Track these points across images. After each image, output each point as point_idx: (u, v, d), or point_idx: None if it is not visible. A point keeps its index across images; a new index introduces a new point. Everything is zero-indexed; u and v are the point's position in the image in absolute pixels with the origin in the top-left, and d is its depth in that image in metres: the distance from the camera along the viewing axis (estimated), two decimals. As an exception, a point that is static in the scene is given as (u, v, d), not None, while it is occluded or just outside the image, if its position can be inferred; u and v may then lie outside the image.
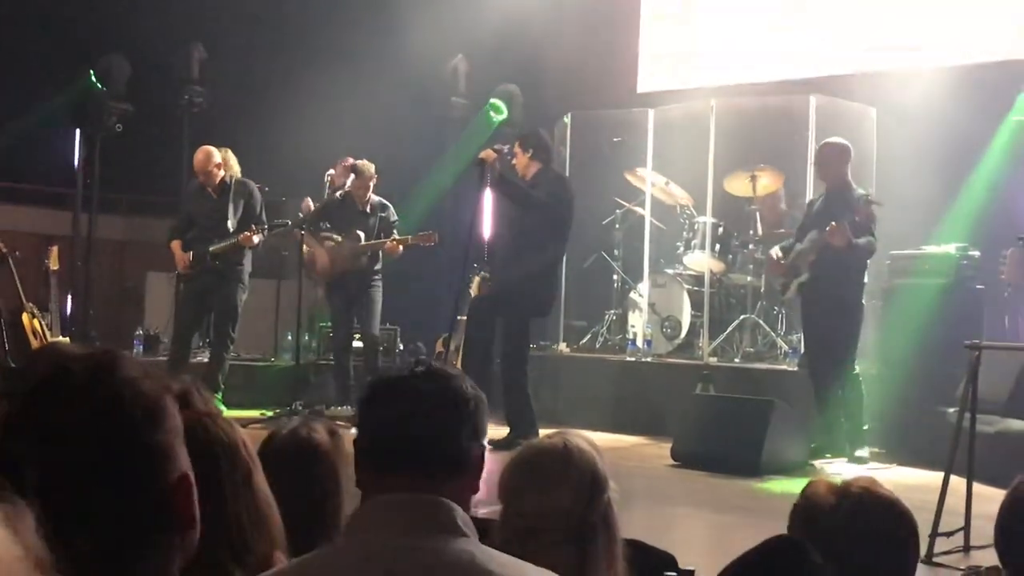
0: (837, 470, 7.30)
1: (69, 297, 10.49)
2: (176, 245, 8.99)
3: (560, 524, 2.15)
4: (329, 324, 9.80)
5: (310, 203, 9.42)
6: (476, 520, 1.94)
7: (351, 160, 9.43)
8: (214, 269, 8.88)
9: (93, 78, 10.43)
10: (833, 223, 7.50)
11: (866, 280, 7.85)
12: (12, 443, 1.25)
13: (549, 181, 8.02)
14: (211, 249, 8.85)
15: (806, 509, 2.23)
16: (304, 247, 9.14)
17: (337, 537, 1.80)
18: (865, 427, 7.76)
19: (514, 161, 8.08)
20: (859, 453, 7.67)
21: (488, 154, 7.86)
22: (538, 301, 8.04)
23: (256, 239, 8.84)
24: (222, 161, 9.11)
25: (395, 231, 9.21)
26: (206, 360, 9.38)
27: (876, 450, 7.84)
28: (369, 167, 9.20)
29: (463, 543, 1.68)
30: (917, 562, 2.23)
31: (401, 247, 9.02)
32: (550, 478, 2.20)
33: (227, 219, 8.91)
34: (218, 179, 8.99)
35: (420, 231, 9.32)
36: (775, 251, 8.24)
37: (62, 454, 1.26)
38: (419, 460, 1.75)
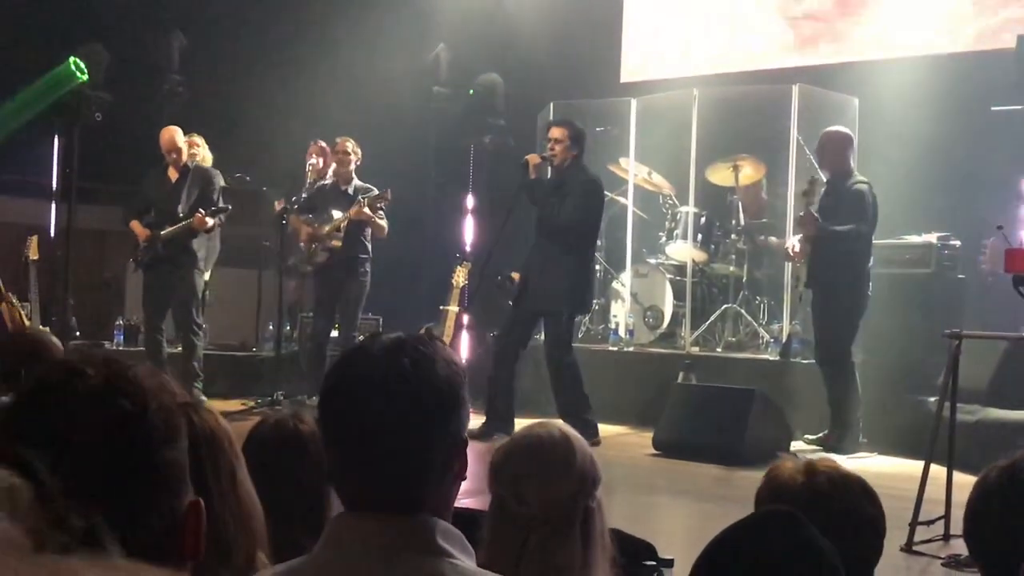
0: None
1: (49, 287, 10.44)
2: (135, 223, 8.99)
3: (565, 512, 2.16)
4: (311, 314, 9.76)
5: (277, 205, 9.45)
6: (463, 512, 1.91)
7: (322, 143, 9.39)
8: (166, 256, 8.85)
9: (73, 66, 10.36)
10: (801, 212, 7.55)
11: (871, 266, 7.72)
12: (14, 443, 1.09)
13: (580, 183, 7.91)
14: (161, 234, 8.83)
15: (771, 491, 2.23)
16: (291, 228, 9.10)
17: (317, 541, 1.70)
18: (857, 418, 7.69)
19: (559, 147, 7.96)
20: (841, 444, 7.64)
21: (533, 158, 7.98)
22: (575, 301, 8.04)
23: (210, 222, 8.79)
24: (189, 145, 9.16)
25: (381, 213, 9.09)
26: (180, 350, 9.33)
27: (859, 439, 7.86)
28: (346, 142, 9.08)
29: (437, 564, 1.61)
30: (883, 541, 2.24)
31: (366, 209, 8.80)
32: (555, 466, 2.20)
33: (179, 204, 8.88)
34: (183, 159, 8.96)
35: (402, 224, 9.30)
36: (791, 242, 8.23)
37: (70, 463, 1.10)
38: (393, 476, 1.65)
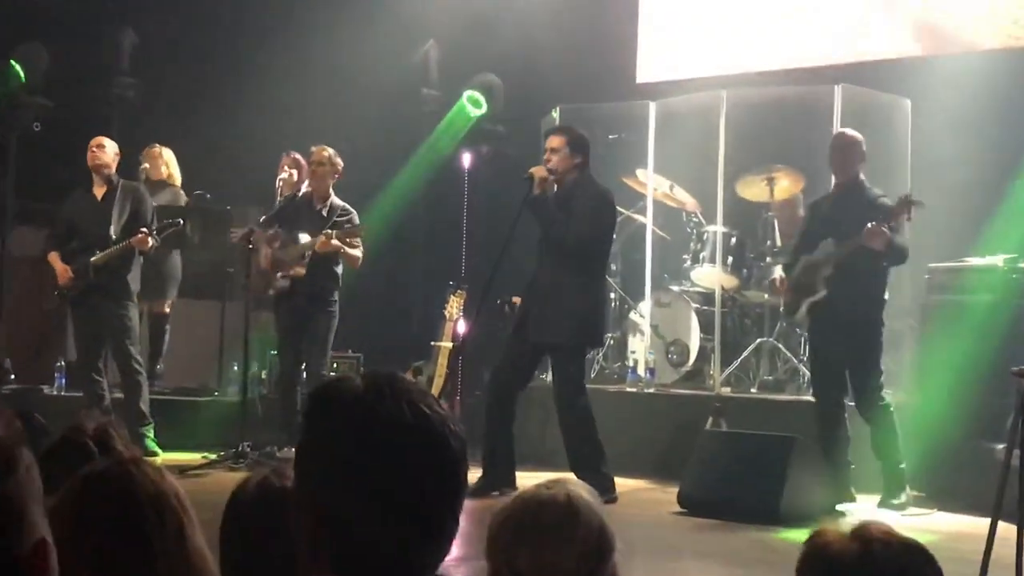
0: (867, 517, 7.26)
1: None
2: (54, 257, 8.96)
3: None
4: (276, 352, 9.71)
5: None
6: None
7: (296, 155, 9.38)
8: (98, 285, 8.82)
9: (13, 69, 10.41)
10: (871, 223, 7.51)
11: (887, 296, 7.88)
12: None
13: (587, 196, 7.93)
14: (92, 260, 8.81)
15: (816, 559, 2.20)
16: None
17: None
18: (902, 465, 7.75)
19: (556, 157, 7.94)
20: (897, 500, 7.63)
21: (539, 171, 7.96)
22: (586, 332, 8.04)
23: (151, 242, 8.77)
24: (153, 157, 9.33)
25: (358, 240, 9.06)
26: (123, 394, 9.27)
27: (915, 493, 7.83)
28: (323, 151, 9.05)
29: None
30: None
31: (334, 241, 8.73)
32: (553, 536, 2.18)
33: (110, 225, 8.85)
34: (111, 171, 8.96)
35: (387, 246, 9.28)
36: (778, 273, 8.33)
37: None
38: (402, 542, 1.64)
